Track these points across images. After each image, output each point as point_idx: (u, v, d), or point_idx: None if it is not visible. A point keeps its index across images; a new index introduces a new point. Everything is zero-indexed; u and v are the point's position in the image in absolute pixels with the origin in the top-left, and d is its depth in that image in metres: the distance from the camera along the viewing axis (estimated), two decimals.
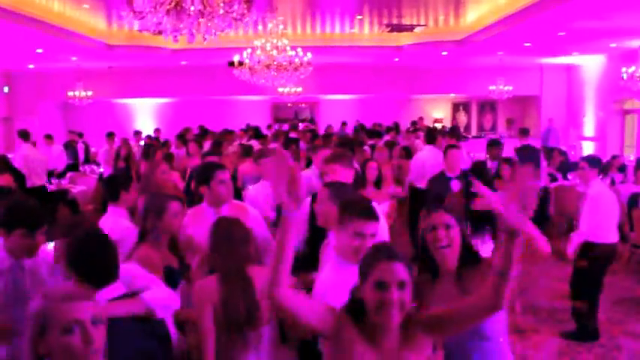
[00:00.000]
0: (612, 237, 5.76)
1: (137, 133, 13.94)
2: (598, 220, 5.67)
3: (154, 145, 10.80)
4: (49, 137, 13.78)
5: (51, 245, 5.26)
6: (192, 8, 3.55)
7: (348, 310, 2.22)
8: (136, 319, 2.53)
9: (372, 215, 2.88)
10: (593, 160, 5.92)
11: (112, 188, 4.63)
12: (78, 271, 2.56)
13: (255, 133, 13.15)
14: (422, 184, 7.99)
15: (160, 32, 4.03)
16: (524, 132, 11.42)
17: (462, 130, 20.99)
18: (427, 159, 8.22)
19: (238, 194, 4.93)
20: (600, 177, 5.94)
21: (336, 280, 2.79)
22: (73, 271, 2.57)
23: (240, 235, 3.17)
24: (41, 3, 11.10)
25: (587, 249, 5.74)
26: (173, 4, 3.78)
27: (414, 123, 17.31)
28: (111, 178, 5.10)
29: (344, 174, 4.27)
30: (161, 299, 2.68)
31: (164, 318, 2.75)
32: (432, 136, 8.73)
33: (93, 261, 2.56)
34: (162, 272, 3.30)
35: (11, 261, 3.10)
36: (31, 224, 3.07)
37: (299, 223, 2.75)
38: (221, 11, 3.76)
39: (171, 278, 3.34)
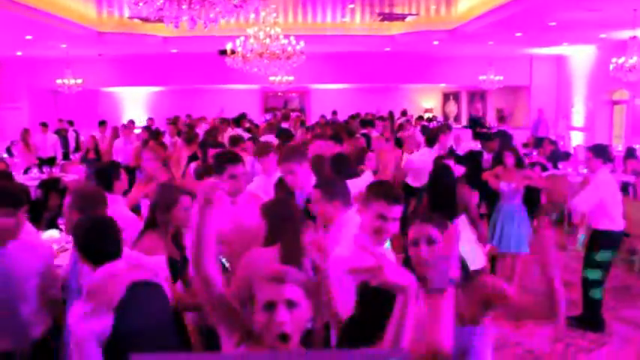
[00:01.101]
0: (620, 224, 5.82)
1: (102, 123, 13.91)
2: (607, 208, 5.72)
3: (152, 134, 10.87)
4: (44, 125, 13.64)
5: (49, 232, 5.24)
6: None
7: None
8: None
9: (396, 198, 2.96)
10: (598, 149, 5.93)
11: (104, 178, 4.68)
12: (81, 250, 2.78)
13: (237, 121, 13.19)
14: (416, 184, 7.99)
15: (160, 19, 4.01)
16: (502, 119, 11.66)
17: (451, 119, 21.09)
18: (424, 162, 8.03)
19: None
20: (607, 165, 5.96)
21: (354, 259, 2.82)
22: (78, 249, 2.80)
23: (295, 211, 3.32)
24: None
25: (597, 237, 5.79)
26: None
27: (404, 112, 17.35)
28: (100, 169, 5.10)
29: (301, 171, 4.23)
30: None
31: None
32: (432, 138, 8.64)
33: (93, 241, 2.76)
34: (166, 264, 3.32)
35: None
36: (13, 202, 3.11)
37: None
38: None
39: (174, 271, 3.36)
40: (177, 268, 3.45)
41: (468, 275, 2.51)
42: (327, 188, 3.52)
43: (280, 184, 4.69)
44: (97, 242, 2.76)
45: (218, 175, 3.93)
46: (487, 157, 8.47)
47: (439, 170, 5.22)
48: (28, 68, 19.24)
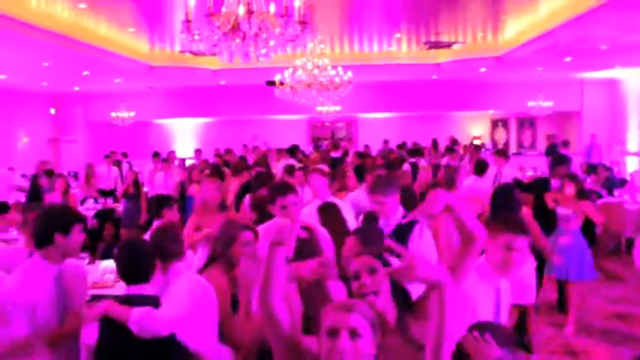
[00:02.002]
0: None
1: (155, 155, 13.92)
2: None
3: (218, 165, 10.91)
4: (107, 157, 13.91)
5: (105, 263, 5.40)
6: (251, 31, 3.66)
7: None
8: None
9: (522, 229, 3.00)
10: None
11: (155, 207, 4.91)
12: (117, 270, 3.19)
13: (291, 152, 13.23)
14: None
15: (213, 53, 4.16)
16: (565, 144, 11.44)
17: (500, 147, 20.79)
18: (473, 191, 7.94)
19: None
20: None
21: (479, 290, 2.90)
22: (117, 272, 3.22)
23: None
24: (89, 28, 11.48)
25: None
26: (230, 26, 3.90)
27: (454, 142, 17.14)
28: (155, 197, 5.30)
29: (389, 202, 4.19)
30: (148, 319, 2.99)
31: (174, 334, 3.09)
32: (481, 167, 8.51)
33: (124, 263, 3.15)
34: (230, 298, 3.37)
35: (53, 269, 3.19)
36: (83, 220, 3.34)
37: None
38: (277, 31, 3.86)
39: (235, 306, 3.40)
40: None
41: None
42: (365, 237, 3.52)
43: (324, 210, 4.71)
44: (128, 265, 3.15)
45: (270, 206, 3.99)
46: (555, 183, 8.26)
47: (501, 198, 5.16)
48: (85, 102, 20.00)
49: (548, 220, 6.74)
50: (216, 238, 3.61)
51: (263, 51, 3.91)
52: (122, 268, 3.15)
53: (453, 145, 15.76)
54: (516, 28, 12.75)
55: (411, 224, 4.05)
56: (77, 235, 3.18)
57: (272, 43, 3.82)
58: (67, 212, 3.30)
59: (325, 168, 8.78)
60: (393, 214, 4.12)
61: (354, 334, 1.94)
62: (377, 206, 4.15)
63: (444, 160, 11.89)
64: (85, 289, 3.53)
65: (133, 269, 3.11)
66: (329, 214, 4.67)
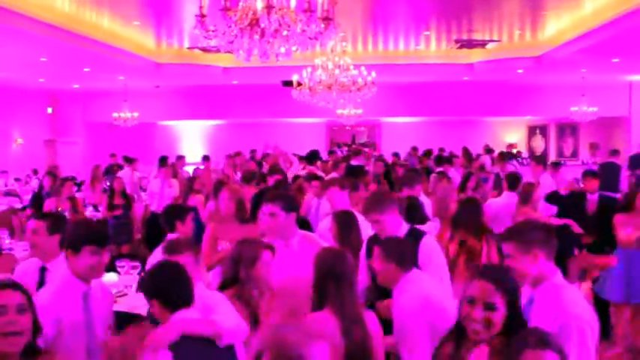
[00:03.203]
0: None
1: (162, 160, 13.65)
2: None
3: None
4: (131, 161, 13.73)
5: (107, 276, 5.42)
6: (271, 28, 3.67)
7: None
8: (206, 343, 2.89)
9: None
10: None
11: (168, 219, 4.92)
12: (156, 297, 2.94)
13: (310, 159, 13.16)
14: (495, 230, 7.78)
15: (229, 51, 4.18)
16: (614, 152, 11.38)
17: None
18: (502, 208, 7.85)
19: (303, 224, 4.99)
20: None
21: None
22: (152, 297, 2.97)
23: (348, 269, 3.32)
24: (91, 20, 11.60)
25: None
26: (247, 22, 3.92)
27: (489, 150, 16.96)
28: (167, 209, 5.32)
29: (387, 220, 4.14)
30: (230, 325, 2.98)
31: (233, 345, 3.03)
32: (514, 182, 8.41)
33: (167, 288, 2.95)
34: (248, 319, 3.38)
35: (83, 287, 3.25)
36: (99, 240, 3.27)
37: None
38: (298, 29, 3.88)
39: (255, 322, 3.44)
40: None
41: None
42: (387, 248, 3.54)
43: (340, 217, 4.71)
44: (174, 288, 2.95)
45: (260, 211, 4.10)
46: (591, 197, 8.16)
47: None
48: (85, 101, 20.19)
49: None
50: (237, 258, 3.60)
51: (282, 49, 3.92)
52: (171, 292, 2.94)
53: (486, 154, 15.66)
54: (557, 26, 12.68)
55: (417, 237, 4.05)
56: (86, 258, 3.22)
57: (283, 50, 3.83)
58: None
59: (345, 180, 8.77)
60: (395, 231, 4.06)
61: None
62: (375, 226, 4.11)
63: (508, 168, 11.52)
64: (110, 313, 3.53)
65: (182, 293, 2.96)
66: (344, 221, 4.67)
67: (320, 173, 9.58)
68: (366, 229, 4.83)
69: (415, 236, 4.06)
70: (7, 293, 2.52)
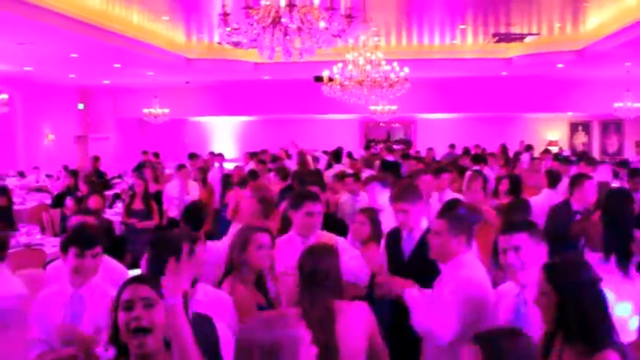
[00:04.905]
0: None
1: (192, 156, 13.06)
2: None
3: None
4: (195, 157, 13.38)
5: (131, 272, 5.56)
6: (293, 26, 3.75)
7: None
8: None
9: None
10: None
11: (194, 217, 5.01)
12: None
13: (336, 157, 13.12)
14: None
15: (254, 47, 4.28)
16: None
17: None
18: (543, 207, 7.73)
19: (335, 222, 5.08)
20: None
21: None
22: None
23: (325, 269, 3.31)
24: (120, 16, 11.83)
25: None
26: (270, 20, 4.01)
27: (528, 147, 16.79)
28: (191, 207, 5.43)
29: (414, 211, 4.19)
30: None
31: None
32: (554, 179, 8.28)
33: None
34: (254, 309, 3.45)
35: (70, 289, 3.37)
36: (82, 242, 3.38)
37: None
38: (321, 26, 3.95)
39: None
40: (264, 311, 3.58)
41: None
42: (454, 220, 3.57)
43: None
44: None
45: (294, 210, 4.12)
46: (637, 196, 8.03)
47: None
48: (115, 97, 20.57)
49: None
50: (231, 244, 3.72)
51: (306, 44, 3.99)
52: None
53: (526, 151, 15.51)
54: (600, 18, 12.53)
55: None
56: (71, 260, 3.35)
57: (308, 44, 3.91)
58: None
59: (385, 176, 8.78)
60: (417, 225, 4.14)
61: None
62: (401, 216, 4.17)
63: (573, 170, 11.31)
64: (105, 316, 3.61)
65: None
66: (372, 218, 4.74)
67: (348, 171, 9.64)
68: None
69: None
70: (133, 287, 2.45)
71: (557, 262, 2.70)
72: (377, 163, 11.34)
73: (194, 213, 5.25)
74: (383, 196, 5.44)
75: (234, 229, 4.89)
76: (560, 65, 15.59)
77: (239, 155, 18.63)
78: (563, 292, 2.52)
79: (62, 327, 3.26)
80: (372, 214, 4.81)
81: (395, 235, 4.31)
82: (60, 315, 3.32)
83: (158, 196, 9.59)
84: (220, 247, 4.30)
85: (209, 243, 4.08)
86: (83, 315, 3.35)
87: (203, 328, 2.90)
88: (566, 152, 19.80)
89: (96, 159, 13.90)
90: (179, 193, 9.51)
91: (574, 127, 21.58)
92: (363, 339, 3.20)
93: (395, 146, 17.40)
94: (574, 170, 10.31)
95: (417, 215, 4.16)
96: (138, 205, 8.62)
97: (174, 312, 2.36)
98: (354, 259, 4.27)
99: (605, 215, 4.94)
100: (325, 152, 13.92)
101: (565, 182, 8.57)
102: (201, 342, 2.77)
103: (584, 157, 11.67)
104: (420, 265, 3.85)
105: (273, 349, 2.09)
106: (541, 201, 7.84)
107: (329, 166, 11.11)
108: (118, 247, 7.81)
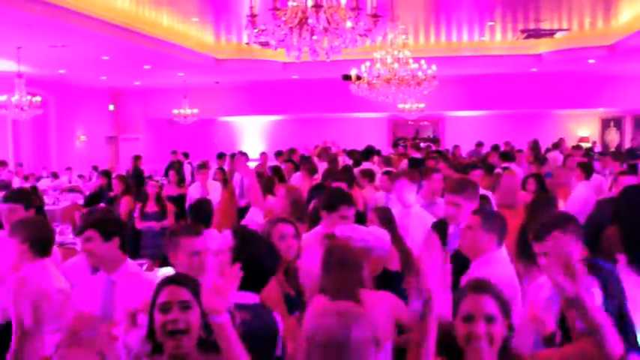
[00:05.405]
0: None
1: (220, 156, 13.23)
2: None
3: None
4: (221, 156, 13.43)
5: (164, 270, 5.66)
6: (320, 26, 3.81)
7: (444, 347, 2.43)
8: None
9: None
10: None
11: (201, 213, 5.10)
12: None
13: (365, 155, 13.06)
14: None
15: (281, 48, 4.35)
16: None
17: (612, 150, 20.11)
18: (586, 199, 7.58)
19: (362, 219, 5.11)
20: None
21: None
22: None
23: (352, 259, 3.41)
24: (150, 18, 12.01)
25: None
26: (297, 20, 4.07)
27: (556, 145, 16.63)
28: (196, 203, 5.53)
29: (467, 207, 4.18)
30: None
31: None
32: (588, 169, 8.16)
33: None
34: (282, 300, 3.51)
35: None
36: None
37: None
38: (348, 25, 4.00)
39: (290, 307, 3.54)
40: (293, 302, 3.62)
41: None
42: (488, 218, 3.62)
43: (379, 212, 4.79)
44: None
45: (328, 213, 4.14)
46: None
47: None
48: (145, 98, 20.85)
49: None
50: None
51: (332, 43, 4.04)
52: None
53: (554, 148, 15.36)
54: (632, 12, 12.39)
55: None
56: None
57: (336, 43, 3.96)
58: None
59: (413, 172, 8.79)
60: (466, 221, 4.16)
61: (489, 319, 2.32)
62: (452, 209, 4.21)
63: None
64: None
65: None
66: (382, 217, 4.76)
67: (376, 169, 9.65)
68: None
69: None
70: (170, 289, 2.45)
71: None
72: (404, 161, 11.34)
73: (200, 208, 5.35)
74: (411, 193, 5.44)
75: (251, 215, 4.94)
76: (591, 61, 15.44)
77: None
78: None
79: (78, 314, 3.36)
80: (382, 212, 4.80)
81: (441, 228, 4.34)
82: (95, 302, 3.42)
83: (183, 199, 9.57)
84: None
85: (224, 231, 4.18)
86: (115, 300, 3.43)
87: (263, 317, 2.98)
88: (598, 148, 19.62)
89: (137, 158, 13.98)
90: (200, 194, 9.17)
91: (605, 123, 21.31)
92: (389, 327, 3.30)
93: (422, 144, 17.38)
94: (597, 165, 10.10)
95: (468, 211, 4.11)
96: (152, 207, 8.33)
97: (224, 331, 2.28)
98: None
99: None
100: (346, 152, 13.91)
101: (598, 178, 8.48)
102: (261, 331, 2.89)
103: (609, 152, 11.36)
104: (463, 261, 3.88)
105: (347, 345, 2.13)
106: (578, 195, 7.75)
107: (357, 163, 11.12)
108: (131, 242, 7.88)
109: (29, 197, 4.85)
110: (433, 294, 2.47)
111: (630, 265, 3.48)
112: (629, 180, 5.62)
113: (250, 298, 3.00)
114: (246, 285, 2.78)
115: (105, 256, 3.55)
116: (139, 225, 8.25)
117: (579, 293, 2.22)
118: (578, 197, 7.70)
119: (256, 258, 3.03)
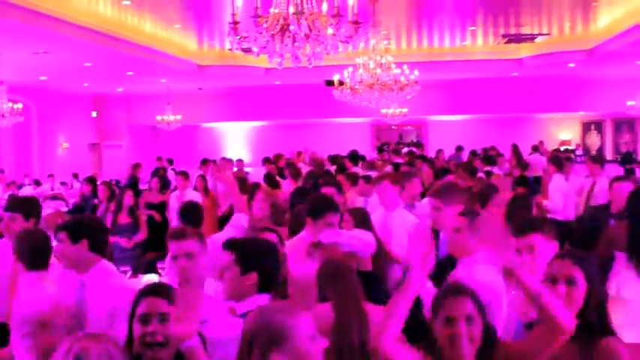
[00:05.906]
0: None
1: (204, 162, 13.03)
2: None
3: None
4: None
5: (147, 276, 5.64)
6: (301, 33, 3.83)
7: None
8: None
9: None
10: None
11: (192, 215, 5.12)
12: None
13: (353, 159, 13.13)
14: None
15: (264, 54, 4.37)
16: None
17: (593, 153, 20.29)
18: (564, 191, 7.94)
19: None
20: None
21: None
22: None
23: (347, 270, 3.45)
24: (133, 24, 11.98)
25: None
26: (278, 27, 4.09)
27: (535, 148, 16.77)
28: (187, 205, 5.54)
29: (447, 212, 4.12)
30: None
31: None
32: (559, 161, 8.45)
33: None
34: None
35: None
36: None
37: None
38: (329, 32, 4.02)
39: None
40: None
41: None
42: (474, 219, 3.63)
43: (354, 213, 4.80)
44: None
45: (314, 220, 4.09)
46: None
47: None
48: (128, 105, 20.76)
49: None
50: None
51: (314, 50, 4.06)
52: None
53: (534, 151, 15.47)
54: (610, 17, 12.53)
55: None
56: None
57: (318, 49, 3.99)
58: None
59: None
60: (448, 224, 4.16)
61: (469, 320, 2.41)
62: (433, 213, 4.21)
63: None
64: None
65: None
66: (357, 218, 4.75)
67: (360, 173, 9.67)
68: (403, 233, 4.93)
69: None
70: (149, 300, 2.43)
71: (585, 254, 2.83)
72: (388, 167, 11.40)
73: (190, 211, 5.35)
74: (393, 195, 5.45)
75: (236, 219, 4.91)
76: (571, 65, 15.59)
77: (251, 160, 18.76)
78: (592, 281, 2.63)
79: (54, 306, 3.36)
80: (357, 213, 4.81)
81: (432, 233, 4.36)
82: (68, 301, 3.43)
83: (164, 207, 9.40)
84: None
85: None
86: (86, 301, 3.42)
87: None
88: (579, 152, 19.80)
89: (136, 166, 13.82)
90: (178, 199, 8.85)
91: (586, 127, 21.50)
92: None
93: (404, 149, 17.44)
94: (575, 169, 10.41)
95: (448, 215, 4.07)
96: (124, 219, 7.73)
97: (195, 356, 2.25)
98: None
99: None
100: (329, 157, 13.95)
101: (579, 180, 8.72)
102: None
103: (589, 155, 11.59)
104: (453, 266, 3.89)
105: (278, 335, 2.10)
106: (556, 186, 8.04)
107: (340, 169, 11.14)
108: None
109: (29, 206, 4.85)
110: (413, 266, 2.49)
111: (631, 262, 3.57)
112: (625, 186, 5.60)
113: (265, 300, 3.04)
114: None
115: (73, 258, 3.54)
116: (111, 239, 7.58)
117: (512, 262, 2.40)
118: (557, 188, 8.08)
119: (270, 264, 3.11)
